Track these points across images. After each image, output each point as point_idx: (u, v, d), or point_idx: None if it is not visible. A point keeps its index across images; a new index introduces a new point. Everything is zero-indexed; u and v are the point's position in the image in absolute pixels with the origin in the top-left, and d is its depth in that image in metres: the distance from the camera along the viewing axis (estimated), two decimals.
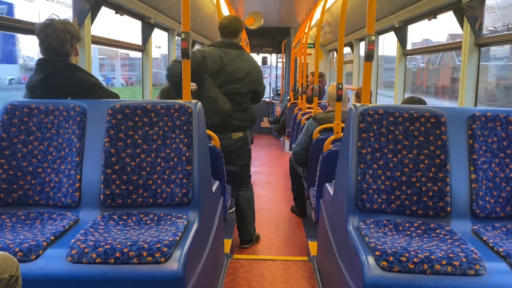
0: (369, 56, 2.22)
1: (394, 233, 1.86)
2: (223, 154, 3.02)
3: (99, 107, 2.07)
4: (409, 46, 4.85)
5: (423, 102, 2.89)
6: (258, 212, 4.47)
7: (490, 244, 1.74)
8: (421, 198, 1.98)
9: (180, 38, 2.27)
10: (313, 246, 3.17)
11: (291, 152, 4.23)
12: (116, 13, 3.99)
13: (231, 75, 3.04)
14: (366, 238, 1.74)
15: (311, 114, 4.39)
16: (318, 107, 5.02)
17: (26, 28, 2.66)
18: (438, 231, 1.86)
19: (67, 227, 1.80)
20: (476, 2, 3.10)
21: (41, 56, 2.16)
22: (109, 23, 4.01)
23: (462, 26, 3.32)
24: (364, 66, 2.29)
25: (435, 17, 3.91)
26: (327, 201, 2.56)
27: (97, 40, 3.73)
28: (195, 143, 2.03)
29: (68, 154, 2.01)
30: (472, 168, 1.99)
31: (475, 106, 3.36)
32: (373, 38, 2.19)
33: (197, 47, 8.30)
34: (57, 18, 2.14)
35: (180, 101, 2.12)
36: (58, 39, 2.10)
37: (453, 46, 3.80)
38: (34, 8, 2.92)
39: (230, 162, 3.17)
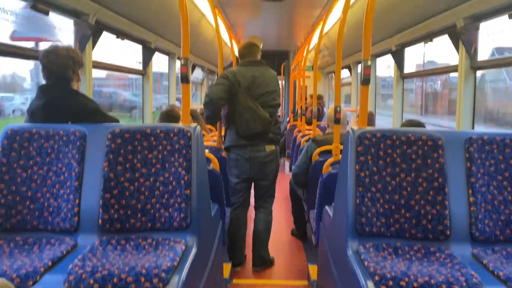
0: (366, 80, 2.25)
1: (394, 257, 1.85)
2: (256, 167, 3.23)
3: (99, 132, 2.09)
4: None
5: (422, 125, 2.91)
6: None
7: (490, 268, 1.73)
8: (420, 221, 1.97)
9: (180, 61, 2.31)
10: (313, 270, 3.14)
11: (291, 173, 4.24)
12: (117, 37, 4.06)
13: (261, 88, 3.21)
14: (366, 262, 1.73)
15: (311, 136, 4.41)
16: (317, 129, 5.05)
17: (29, 54, 2.71)
18: (437, 254, 1.85)
19: (65, 252, 1.79)
20: (471, 26, 3.16)
21: (43, 82, 2.19)
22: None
23: (457, 49, 3.37)
24: (361, 90, 2.31)
25: (431, 41, 3.98)
26: (326, 224, 2.55)
27: (98, 65, 3.78)
28: (194, 166, 2.03)
29: (67, 178, 2.02)
30: (470, 191, 1.99)
31: (473, 128, 3.38)
32: (369, 63, 2.22)
33: (197, 70, 8.39)
34: (60, 45, 2.19)
35: (179, 125, 2.14)
36: (61, 65, 2.14)
37: (449, 69, 3.86)
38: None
39: (262, 176, 3.30)
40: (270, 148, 3.29)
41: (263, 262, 3.40)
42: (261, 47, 3.56)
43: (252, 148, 3.19)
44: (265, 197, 3.42)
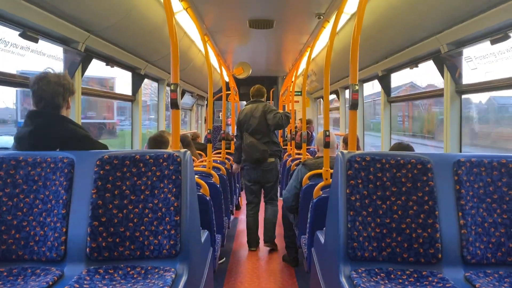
0: (354, 105, 2.28)
1: (387, 281, 1.83)
2: (263, 175, 4.59)
3: (87, 158, 2.06)
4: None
5: (411, 148, 2.94)
6: (249, 261, 4.38)
7: None
8: (412, 245, 1.97)
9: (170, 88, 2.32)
10: None
11: (282, 198, 4.22)
12: (107, 65, 4.08)
13: (255, 120, 4.59)
14: None
15: (301, 160, 4.42)
16: (307, 153, 5.07)
17: (21, 82, 2.70)
18: (430, 279, 1.84)
19: (50, 283, 1.73)
20: (455, 51, 3.24)
21: (32, 109, 2.17)
22: None
23: (442, 74, 3.44)
24: (350, 115, 2.34)
25: (416, 66, 4.06)
26: (318, 250, 2.52)
27: (87, 92, 3.78)
28: (183, 192, 2.01)
29: (55, 206, 1.98)
30: (460, 214, 1.99)
31: (460, 151, 3.42)
32: (357, 87, 2.25)
33: (187, 96, 8.44)
34: (52, 72, 2.18)
35: (169, 150, 2.13)
36: (51, 92, 2.12)
37: (435, 94, 3.93)
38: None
39: (266, 180, 4.67)
40: (270, 160, 4.61)
41: (271, 240, 4.65)
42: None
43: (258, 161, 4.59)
44: (271, 196, 4.74)
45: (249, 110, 4.66)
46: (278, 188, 4.97)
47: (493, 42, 2.75)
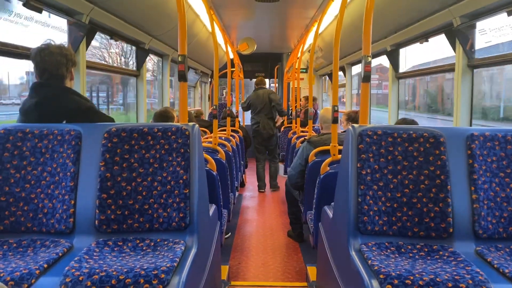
0: (366, 77, 2.23)
1: (397, 255, 1.82)
2: (265, 138, 6.50)
3: (95, 131, 2.04)
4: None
5: (415, 123, 2.90)
6: (255, 236, 4.41)
7: (495, 266, 1.71)
8: (423, 219, 1.95)
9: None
10: (312, 271, 3.10)
11: (286, 176, 4.21)
12: (111, 38, 4.01)
13: (264, 100, 6.48)
14: (369, 261, 1.70)
15: (306, 137, 4.38)
16: (312, 131, 5.04)
17: (22, 52, 2.65)
18: (441, 252, 1.83)
19: (60, 254, 1.73)
20: (468, 24, 3.15)
21: (35, 80, 2.13)
22: None
23: (454, 48, 3.36)
24: (362, 87, 2.29)
25: (426, 40, 3.97)
26: (326, 224, 2.52)
27: (92, 65, 3.73)
28: (192, 166, 1.99)
29: (63, 179, 1.96)
30: (473, 188, 1.97)
31: (471, 126, 3.37)
32: (370, 59, 2.19)
33: (190, 73, 8.35)
34: (52, 43, 2.14)
35: (177, 123, 2.10)
36: (54, 63, 2.09)
37: (446, 68, 3.85)
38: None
39: (269, 144, 6.59)
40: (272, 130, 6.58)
41: (275, 186, 6.72)
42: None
43: (262, 131, 6.50)
44: (272, 156, 6.67)
45: (258, 95, 6.53)
46: (278, 150, 7.07)
47: (510, 13, 2.66)
